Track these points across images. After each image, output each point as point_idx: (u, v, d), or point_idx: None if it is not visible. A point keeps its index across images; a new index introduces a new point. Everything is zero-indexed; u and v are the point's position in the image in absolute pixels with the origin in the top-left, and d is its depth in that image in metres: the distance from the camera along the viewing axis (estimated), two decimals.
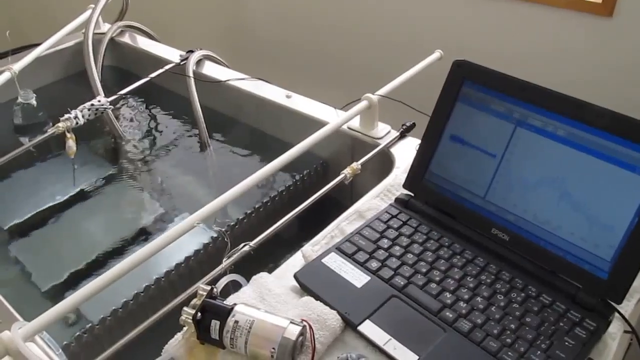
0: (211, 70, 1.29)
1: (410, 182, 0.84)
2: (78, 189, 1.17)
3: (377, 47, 1.58)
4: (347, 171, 0.92)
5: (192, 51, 1.32)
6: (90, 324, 0.81)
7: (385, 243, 0.77)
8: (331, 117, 1.09)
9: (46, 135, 1.05)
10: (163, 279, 0.89)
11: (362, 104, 1.01)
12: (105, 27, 1.47)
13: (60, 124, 1.06)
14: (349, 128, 1.05)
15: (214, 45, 1.39)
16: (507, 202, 0.74)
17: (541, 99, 0.71)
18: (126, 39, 1.48)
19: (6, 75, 1.16)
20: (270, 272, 0.75)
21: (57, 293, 0.96)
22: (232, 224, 0.97)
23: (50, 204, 1.13)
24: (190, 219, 0.76)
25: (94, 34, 1.45)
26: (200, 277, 0.95)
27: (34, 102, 1.22)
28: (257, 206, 1.00)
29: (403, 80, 1.07)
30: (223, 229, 0.79)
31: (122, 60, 1.45)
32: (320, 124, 1.07)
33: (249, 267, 0.92)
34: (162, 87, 1.34)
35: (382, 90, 1.04)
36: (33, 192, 1.16)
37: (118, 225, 1.09)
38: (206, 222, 1.04)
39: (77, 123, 1.08)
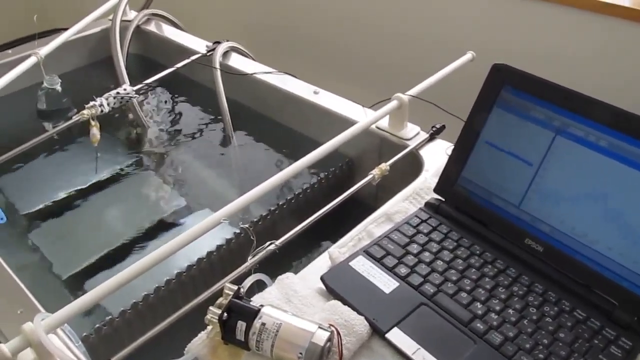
0: (237, 62, 1.28)
1: (441, 186, 0.83)
2: (99, 177, 1.16)
3: (405, 46, 1.56)
4: (375, 172, 0.90)
5: (218, 42, 1.30)
6: (110, 316, 0.80)
7: (414, 248, 0.76)
8: (359, 115, 1.07)
9: (71, 122, 1.04)
10: (184, 274, 0.88)
11: (392, 103, 1.00)
12: (131, 14, 1.46)
13: (85, 111, 1.05)
14: (377, 127, 1.03)
15: (238, 37, 1.38)
16: (543, 213, 0.72)
17: (584, 108, 0.69)
18: (152, 27, 1.47)
19: (32, 60, 1.15)
20: (292, 270, 0.74)
21: (76, 282, 0.95)
22: (255, 220, 0.95)
23: (71, 192, 1.13)
24: (216, 215, 0.75)
25: (120, 21, 1.44)
26: (221, 273, 0.93)
27: (58, 87, 1.21)
28: (280, 203, 0.99)
29: (434, 81, 1.05)
30: (248, 226, 0.77)
31: (147, 48, 1.44)
32: (347, 121, 1.05)
33: (270, 264, 0.92)
34: (186, 77, 1.33)
35: (413, 91, 1.02)
36: (54, 178, 1.16)
37: (138, 216, 1.08)
38: (229, 218, 1.05)
39: (102, 111, 1.07)
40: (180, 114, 1.33)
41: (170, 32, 1.44)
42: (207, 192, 1.15)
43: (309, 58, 1.74)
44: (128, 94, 1.10)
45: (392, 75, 1.60)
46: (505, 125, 0.75)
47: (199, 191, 1.15)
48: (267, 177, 1.09)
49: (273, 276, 0.73)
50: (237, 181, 1.16)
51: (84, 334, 0.78)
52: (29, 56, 1.22)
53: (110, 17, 1.44)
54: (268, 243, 0.77)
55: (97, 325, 0.79)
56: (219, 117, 1.25)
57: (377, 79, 1.62)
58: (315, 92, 1.15)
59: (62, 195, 1.12)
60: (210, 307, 0.62)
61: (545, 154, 0.72)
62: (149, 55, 1.46)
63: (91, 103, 1.06)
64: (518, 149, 0.74)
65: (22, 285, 0.73)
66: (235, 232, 0.94)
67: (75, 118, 1.04)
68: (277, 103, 1.19)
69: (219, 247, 0.92)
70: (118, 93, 1.09)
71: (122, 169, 1.18)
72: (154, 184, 1.16)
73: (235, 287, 0.63)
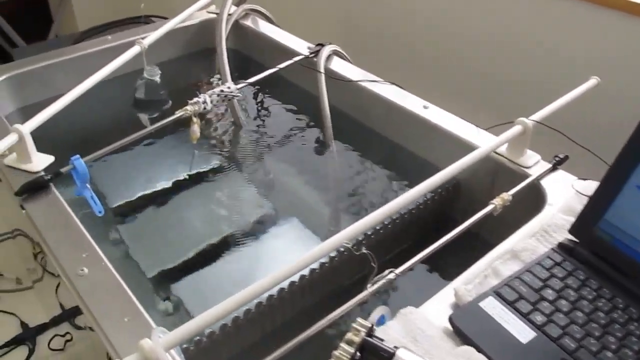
0: (340, 67, 1.23)
1: (577, 228, 0.76)
2: (189, 174, 1.14)
3: (522, 67, 1.46)
4: (497, 202, 0.84)
5: (321, 45, 1.26)
6: (210, 330, 0.77)
7: (549, 294, 0.69)
8: (471, 135, 1.02)
9: (174, 117, 1.01)
10: (285, 289, 0.84)
11: (515, 129, 0.93)
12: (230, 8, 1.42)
13: (188, 107, 1.02)
14: (494, 151, 0.97)
15: (332, 40, 1.32)
16: None
17: None
18: (249, 22, 1.43)
19: (136, 49, 1.15)
20: (407, 302, 0.69)
21: (161, 282, 0.94)
22: (360, 239, 0.90)
23: (160, 187, 1.11)
24: (338, 238, 0.71)
25: (216, 14, 1.41)
26: (323, 290, 0.90)
27: (157, 79, 1.20)
28: (386, 222, 0.93)
29: (557, 107, 0.98)
30: (368, 252, 0.72)
31: (243, 44, 1.41)
32: (458, 141, 1.01)
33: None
34: (283, 77, 1.29)
35: (537, 116, 0.95)
36: (145, 171, 1.15)
37: (224, 218, 1.06)
38: (327, 234, 1.00)
39: (204, 108, 1.04)
40: (275, 115, 1.30)
41: (267, 29, 1.40)
42: (297, 200, 1.12)
43: (409, 68, 1.67)
44: (232, 92, 1.07)
45: (505, 94, 1.50)
46: None
47: (288, 198, 1.12)
48: (363, 191, 1.09)
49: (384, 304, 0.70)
50: (330, 192, 1.13)
51: (184, 345, 0.75)
52: (128, 44, 1.23)
53: (210, 9, 1.41)
54: (388, 271, 0.72)
55: (198, 338, 0.76)
56: (313, 123, 1.22)
57: (488, 97, 1.53)
58: (425, 107, 1.09)
59: (150, 190, 1.10)
60: (342, 344, 0.57)
61: None
62: (245, 51, 1.43)
63: (194, 99, 1.03)
64: None
65: (131, 294, 0.70)
66: (338, 250, 0.90)
67: (178, 113, 1.02)
68: (381, 114, 1.14)
69: (322, 264, 0.88)
70: (222, 91, 1.07)
71: (212, 168, 1.16)
72: (243, 186, 1.13)
73: (367, 324, 0.59)
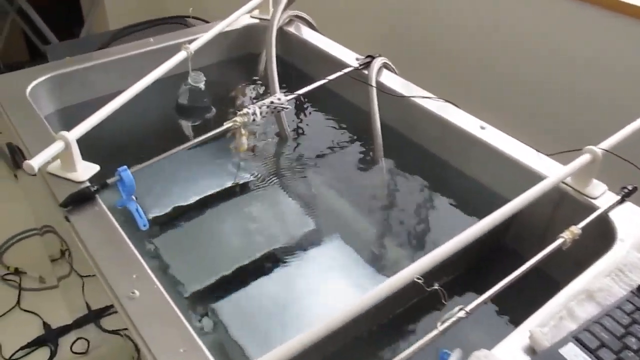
0: (390, 81, 1.19)
1: None
2: (229, 186, 1.11)
3: (579, 85, 1.40)
4: (566, 236, 0.79)
5: (371, 57, 1.22)
6: None
7: (634, 343, 0.65)
8: (532, 160, 0.98)
9: (222, 128, 0.98)
10: None
11: (584, 158, 0.89)
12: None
13: (237, 119, 0.99)
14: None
15: (370, 51, 1.28)
16: None
17: None
18: (293, 29, 1.39)
19: (182, 55, 1.11)
20: (479, 343, 0.65)
21: (198, 301, 0.91)
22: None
23: (199, 198, 1.08)
24: (407, 272, 0.66)
25: (260, 19, 1.38)
26: (382, 318, 0.86)
27: (202, 86, 1.17)
28: None
29: (627, 134, 0.93)
30: (440, 288, 0.68)
31: (286, 51, 1.37)
32: (518, 166, 0.98)
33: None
34: (329, 89, 1.22)
35: (606, 144, 0.91)
36: (183, 180, 1.11)
37: (266, 234, 1.02)
38: (372, 257, 0.97)
39: (253, 120, 1.00)
40: (320, 128, 1.25)
41: (312, 37, 1.36)
42: (342, 219, 1.08)
43: (451, 83, 1.61)
44: (282, 104, 1.03)
45: (563, 119, 1.44)
46: None
47: (333, 216, 1.08)
48: (412, 214, 1.06)
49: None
50: (377, 213, 1.08)
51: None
52: (171, 47, 1.21)
53: (253, 13, 1.37)
54: (457, 309, 0.68)
55: None
56: (361, 138, 1.19)
57: (545, 120, 1.47)
58: (482, 128, 1.04)
59: (189, 200, 1.07)
60: None
61: None
62: (287, 58, 1.38)
63: (244, 111, 1.00)
64: None
65: (186, 323, 0.66)
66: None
67: (226, 125, 0.98)
68: (434, 133, 1.10)
69: None
70: (272, 102, 1.03)
71: (253, 180, 1.12)
72: (285, 201, 1.09)
73: None
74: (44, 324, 1.75)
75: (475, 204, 1.03)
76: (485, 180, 1.04)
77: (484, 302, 0.70)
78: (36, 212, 1.45)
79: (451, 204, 1.06)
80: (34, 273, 1.88)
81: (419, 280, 0.66)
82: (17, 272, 1.88)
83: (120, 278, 0.72)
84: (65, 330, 1.72)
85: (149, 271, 0.74)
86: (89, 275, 0.83)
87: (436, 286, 0.66)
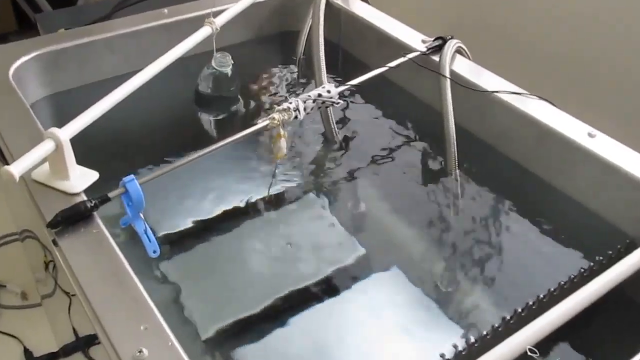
0: (467, 70, 1.10)
1: None
2: (260, 199, 1.06)
3: None
4: None
5: (441, 38, 1.14)
6: None
7: None
8: None
9: (257, 127, 0.90)
10: None
11: None
12: None
13: (276, 115, 0.91)
14: None
15: (434, 31, 1.20)
16: None
17: None
18: (341, 2, 1.32)
19: (206, 31, 1.05)
20: None
21: (218, 341, 0.85)
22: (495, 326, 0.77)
23: (220, 213, 1.03)
24: (516, 342, 0.56)
25: None
26: None
27: (229, 71, 1.11)
28: (519, 310, 0.80)
29: None
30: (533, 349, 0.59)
31: (332, 30, 1.29)
32: (634, 182, 0.90)
33: None
34: (386, 78, 1.16)
35: None
36: (201, 189, 1.06)
37: (303, 262, 0.97)
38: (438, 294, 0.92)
39: (295, 117, 0.93)
40: (376, 128, 1.19)
41: (366, 13, 1.28)
42: (400, 245, 1.02)
43: (551, 77, 1.51)
44: (332, 97, 0.97)
45: None
46: None
47: (388, 241, 1.03)
48: (495, 244, 0.99)
49: None
50: (446, 239, 1.02)
51: None
52: (189, 21, 1.17)
53: None
54: None
55: None
56: (427, 142, 1.13)
57: None
58: (591, 135, 0.96)
59: (210, 216, 1.02)
60: None
61: None
62: (333, 39, 1.30)
63: (284, 105, 0.92)
64: None
65: None
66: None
67: (262, 123, 0.91)
68: (527, 141, 1.02)
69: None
70: (320, 95, 0.96)
71: (288, 191, 1.07)
72: (328, 221, 1.04)
73: None
74: (25, 350, 1.69)
75: (584, 237, 0.96)
76: (597, 207, 0.96)
77: None
78: (15, 213, 1.40)
79: (549, 236, 0.99)
80: (14, 287, 1.81)
81: (533, 354, 0.56)
82: None
83: (124, 331, 0.64)
84: (51, 359, 1.66)
85: (162, 320, 0.66)
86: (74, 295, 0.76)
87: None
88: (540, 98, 1.03)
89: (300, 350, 0.85)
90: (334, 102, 0.97)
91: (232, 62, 1.10)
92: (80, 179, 0.82)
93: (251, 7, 1.25)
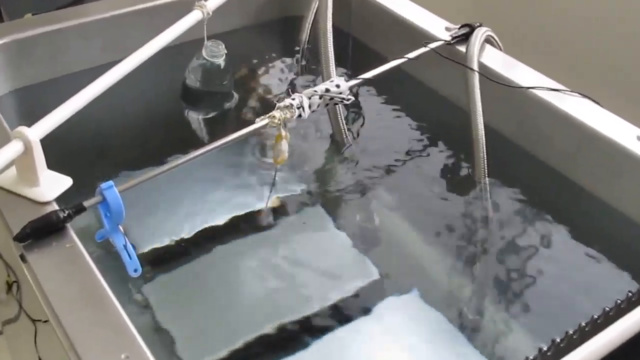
0: (498, 63, 1.12)
1: None
2: (257, 211, 1.08)
3: None
4: None
5: (469, 26, 1.16)
6: None
7: None
8: None
9: (255, 126, 0.91)
10: None
11: None
12: None
13: (276, 114, 0.92)
14: None
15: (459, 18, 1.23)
16: None
17: None
18: None
19: (196, 16, 1.07)
20: None
21: None
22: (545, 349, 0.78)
23: (213, 226, 1.05)
24: None
25: None
26: None
27: (221, 62, 1.13)
28: (557, 340, 0.82)
29: None
30: None
31: (342, 16, 1.31)
32: None
33: None
34: (404, 71, 1.18)
35: None
36: (192, 199, 1.08)
37: (307, 284, 0.99)
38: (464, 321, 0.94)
39: (299, 115, 0.94)
40: (391, 129, 1.22)
41: None
42: (420, 265, 1.05)
43: (582, 70, 1.53)
44: (341, 93, 0.99)
45: None
46: None
47: (406, 261, 1.06)
48: (530, 263, 1.00)
49: None
50: (473, 258, 1.04)
51: None
52: (177, 4, 1.19)
53: None
54: None
55: None
56: (451, 145, 1.15)
57: None
58: None
59: (199, 229, 1.04)
60: None
61: None
62: (344, 26, 1.33)
63: (286, 101, 0.94)
64: None
65: None
66: None
67: (260, 122, 0.92)
68: (568, 145, 1.04)
69: None
70: (327, 91, 0.97)
71: (291, 204, 1.09)
72: (336, 237, 1.06)
73: None
74: None
75: (632, 256, 0.98)
76: (635, 215, 0.98)
77: None
78: None
79: (592, 254, 1.00)
80: None
81: None
82: None
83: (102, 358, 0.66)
84: None
85: (145, 348, 0.67)
86: (45, 321, 0.77)
87: None
88: (583, 96, 1.05)
89: None
90: (343, 99, 0.99)
91: (225, 52, 1.12)
92: (52, 185, 0.84)
93: None
